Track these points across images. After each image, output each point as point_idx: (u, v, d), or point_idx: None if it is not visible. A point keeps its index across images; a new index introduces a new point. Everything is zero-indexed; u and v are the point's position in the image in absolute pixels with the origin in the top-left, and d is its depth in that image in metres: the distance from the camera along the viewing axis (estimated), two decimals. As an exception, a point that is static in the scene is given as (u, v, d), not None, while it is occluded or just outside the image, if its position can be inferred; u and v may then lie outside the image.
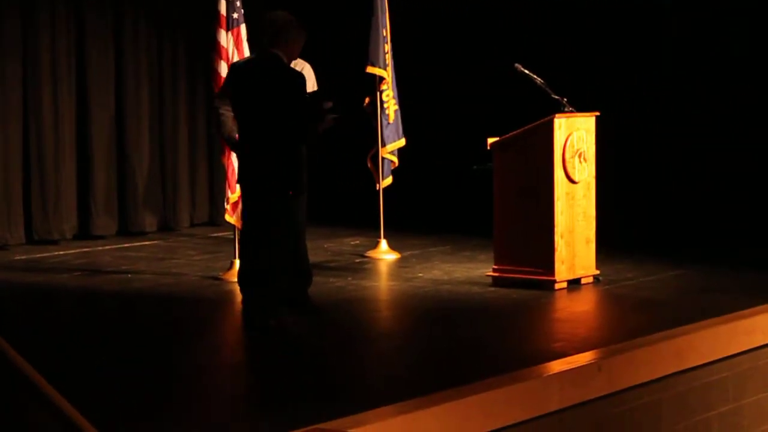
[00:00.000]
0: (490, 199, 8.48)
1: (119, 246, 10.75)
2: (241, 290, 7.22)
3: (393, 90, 10.13)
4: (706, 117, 11.03)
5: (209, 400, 5.66)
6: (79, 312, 8.05)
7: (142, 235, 11.36)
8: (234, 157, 8.57)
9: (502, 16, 12.05)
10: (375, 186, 10.19)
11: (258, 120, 6.97)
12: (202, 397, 5.73)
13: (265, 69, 7.00)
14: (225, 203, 8.83)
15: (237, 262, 8.87)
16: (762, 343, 7.14)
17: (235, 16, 8.73)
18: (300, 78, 6.97)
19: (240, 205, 8.55)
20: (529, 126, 8.28)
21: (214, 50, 8.74)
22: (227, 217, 8.85)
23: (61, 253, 10.34)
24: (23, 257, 10.11)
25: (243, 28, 8.77)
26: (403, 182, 10.54)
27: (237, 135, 7.25)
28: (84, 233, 11.09)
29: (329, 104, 7.09)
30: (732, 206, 10.82)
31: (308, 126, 7.04)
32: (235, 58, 8.63)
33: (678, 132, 11.17)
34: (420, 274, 9.14)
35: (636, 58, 11.37)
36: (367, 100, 10.11)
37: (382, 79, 10.00)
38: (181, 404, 5.58)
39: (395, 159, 10.19)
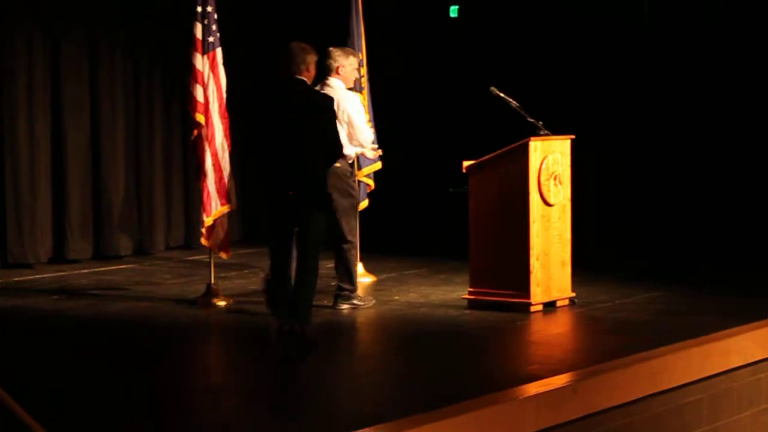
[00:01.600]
0: (466, 221, 8.51)
1: (95, 270, 10.71)
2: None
3: (369, 113, 10.14)
4: (685, 132, 11.08)
5: (184, 425, 5.64)
6: (55, 336, 8.01)
7: (117, 258, 11.33)
8: (209, 181, 8.60)
9: (479, 36, 12.10)
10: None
11: (294, 139, 7.17)
12: (176, 423, 5.70)
13: (298, 92, 7.28)
14: (201, 227, 8.82)
15: (213, 286, 8.86)
16: (737, 365, 7.16)
17: (211, 39, 8.74)
18: (330, 100, 7.39)
19: (223, 227, 8.64)
20: (505, 149, 8.30)
21: (190, 74, 8.75)
22: (203, 241, 8.84)
23: (37, 276, 10.30)
24: (-2, 281, 10.08)
25: (219, 51, 8.78)
26: (379, 205, 10.55)
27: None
28: (59, 257, 11.05)
29: None
30: (708, 226, 10.87)
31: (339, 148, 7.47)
32: (211, 82, 8.66)
33: (656, 148, 11.22)
34: (396, 297, 9.14)
35: (613, 73, 11.44)
36: (343, 123, 10.11)
37: (358, 102, 10.00)
38: (156, 429, 5.55)
39: (371, 182, 10.20)
